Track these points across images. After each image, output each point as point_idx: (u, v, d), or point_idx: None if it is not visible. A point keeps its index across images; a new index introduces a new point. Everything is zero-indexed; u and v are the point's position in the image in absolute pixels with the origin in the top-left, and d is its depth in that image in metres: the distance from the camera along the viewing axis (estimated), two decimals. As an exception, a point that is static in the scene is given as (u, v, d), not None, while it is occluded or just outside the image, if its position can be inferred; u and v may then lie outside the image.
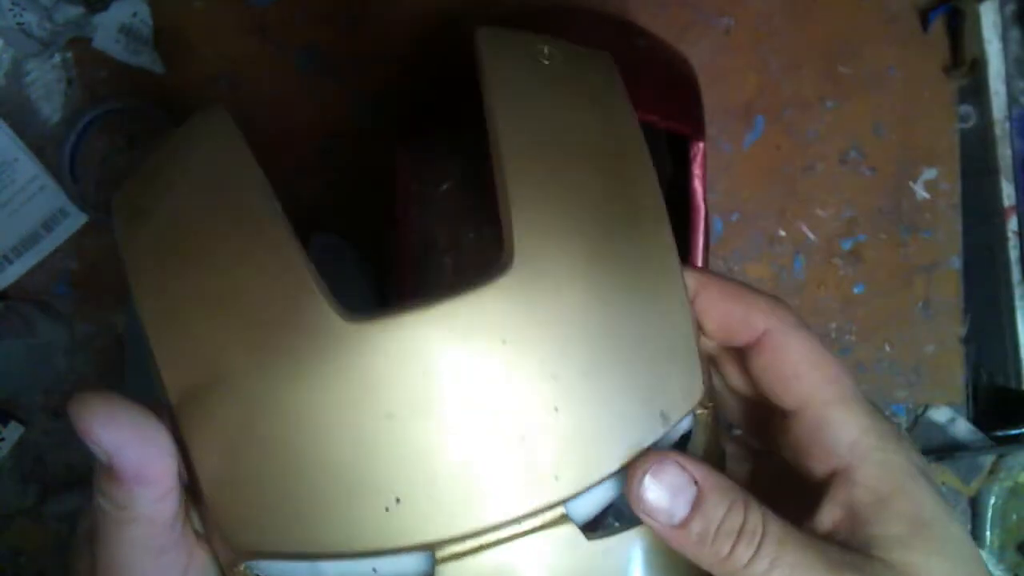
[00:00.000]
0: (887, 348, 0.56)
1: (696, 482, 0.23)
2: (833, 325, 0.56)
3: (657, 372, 0.24)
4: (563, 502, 0.23)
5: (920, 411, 0.56)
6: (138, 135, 0.54)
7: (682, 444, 0.26)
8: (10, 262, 0.53)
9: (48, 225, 0.53)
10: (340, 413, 0.22)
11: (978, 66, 0.56)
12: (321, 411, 0.22)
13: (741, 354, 0.28)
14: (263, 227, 0.23)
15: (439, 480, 0.22)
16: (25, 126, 0.54)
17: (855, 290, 0.56)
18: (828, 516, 0.25)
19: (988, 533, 0.56)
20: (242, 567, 0.24)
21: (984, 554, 0.56)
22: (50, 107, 0.54)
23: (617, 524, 0.24)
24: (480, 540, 0.22)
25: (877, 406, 0.27)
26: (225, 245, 0.23)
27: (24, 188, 0.53)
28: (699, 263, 0.47)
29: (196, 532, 0.25)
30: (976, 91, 0.57)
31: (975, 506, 0.56)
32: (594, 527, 0.24)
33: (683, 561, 0.24)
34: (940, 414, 0.56)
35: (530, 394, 0.22)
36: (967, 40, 0.55)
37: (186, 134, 0.26)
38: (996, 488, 0.56)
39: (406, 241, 0.48)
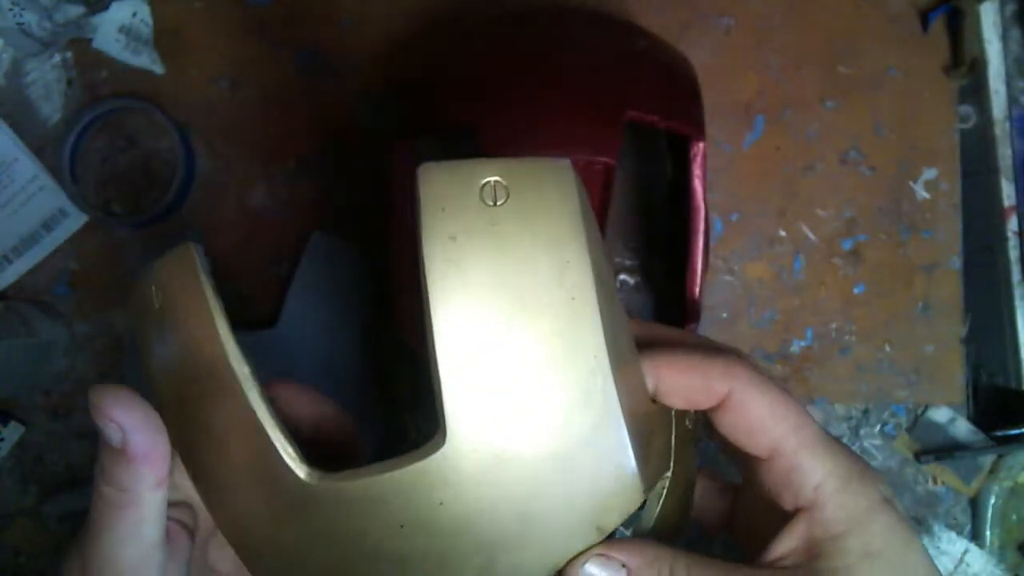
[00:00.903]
0: (887, 348, 0.56)
1: (624, 564, 0.26)
2: (833, 325, 0.56)
3: (594, 495, 0.25)
4: None
5: (920, 411, 0.56)
6: (138, 135, 0.54)
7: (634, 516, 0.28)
8: (10, 262, 0.53)
9: (48, 225, 0.53)
10: (317, 550, 0.25)
11: (978, 66, 0.56)
12: (301, 550, 0.25)
13: (709, 414, 0.30)
14: (232, 392, 0.25)
15: None
16: (25, 126, 0.54)
17: (855, 290, 0.56)
18: (781, 547, 0.28)
19: (988, 533, 0.56)
20: None
21: (984, 554, 0.56)
22: (50, 107, 0.54)
23: None
24: None
25: (841, 443, 0.29)
26: (206, 403, 0.26)
27: (24, 188, 0.53)
28: (699, 263, 0.47)
29: (173, 536, 0.27)
30: (976, 91, 0.57)
31: (975, 506, 0.56)
32: None
33: None
34: (940, 414, 0.56)
35: (465, 545, 0.24)
36: (967, 40, 0.55)
37: (156, 281, 0.27)
38: (996, 488, 0.56)
39: (405, 240, 0.48)
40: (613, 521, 0.26)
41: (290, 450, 0.25)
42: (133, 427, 0.25)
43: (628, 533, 0.29)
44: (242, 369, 0.25)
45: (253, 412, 0.25)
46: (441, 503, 0.24)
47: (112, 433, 0.25)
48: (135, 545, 0.25)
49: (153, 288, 0.27)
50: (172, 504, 0.27)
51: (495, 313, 0.24)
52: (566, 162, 0.25)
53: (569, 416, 0.24)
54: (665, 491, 0.29)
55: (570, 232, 0.25)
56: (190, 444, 0.27)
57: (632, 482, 0.25)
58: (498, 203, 0.24)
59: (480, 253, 0.24)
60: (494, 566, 0.25)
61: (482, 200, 0.24)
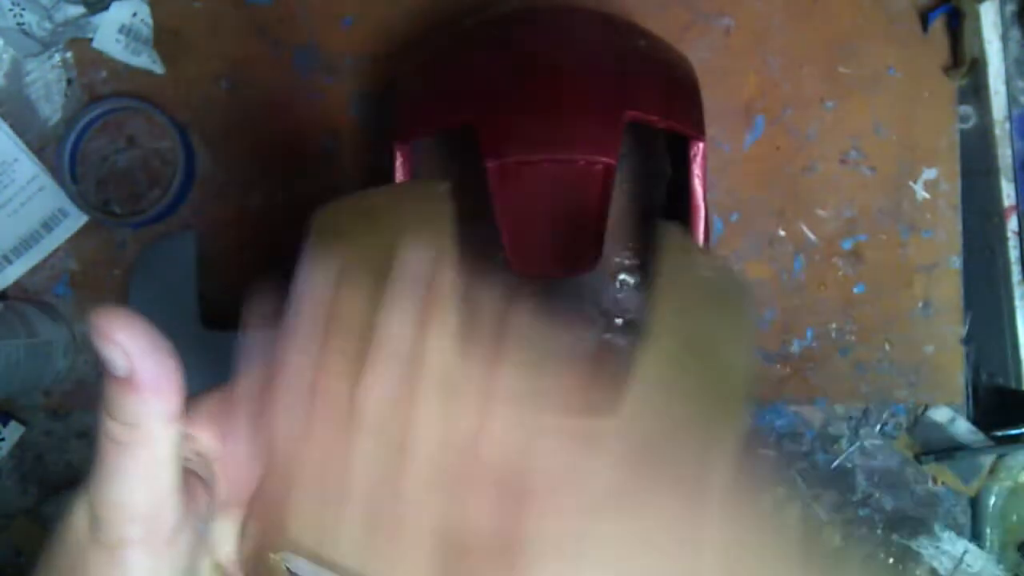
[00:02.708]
0: (887, 348, 0.56)
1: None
2: (833, 325, 0.56)
3: None
4: None
5: (920, 411, 0.56)
6: (138, 135, 0.54)
7: None
8: (10, 262, 0.53)
9: (48, 225, 0.53)
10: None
11: (978, 66, 0.56)
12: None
13: None
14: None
15: None
16: (25, 126, 0.54)
17: (855, 290, 0.56)
18: None
19: (988, 533, 0.56)
20: (278, 555, 0.25)
21: (984, 554, 0.56)
22: (50, 107, 0.54)
23: None
24: None
25: None
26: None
27: (24, 188, 0.53)
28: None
29: (189, 490, 0.25)
30: (976, 91, 0.57)
31: (975, 506, 0.56)
32: None
33: None
34: (940, 414, 0.56)
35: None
36: (967, 40, 0.55)
37: (405, 185, 0.28)
38: (996, 488, 0.56)
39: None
40: None
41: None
42: (140, 351, 0.22)
43: None
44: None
45: None
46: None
47: (117, 358, 0.22)
48: (149, 489, 0.23)
49: None
50: (188, 457, 0.25)
51: None
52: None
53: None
54: None
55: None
56: None
57: None
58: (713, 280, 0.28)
59: (699, 306, 0.27)
60: None
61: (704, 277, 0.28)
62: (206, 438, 0.25)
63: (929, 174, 0.56)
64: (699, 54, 0.55)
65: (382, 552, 0.23)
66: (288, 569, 0.25)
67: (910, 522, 0.56)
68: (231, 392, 0.26)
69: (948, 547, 0.56)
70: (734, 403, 0.26)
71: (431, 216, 0.27)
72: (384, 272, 0.25)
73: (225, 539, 0.26)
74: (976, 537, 0.56)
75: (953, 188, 0.56)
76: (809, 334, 0.56)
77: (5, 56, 0.54)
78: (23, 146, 0.53)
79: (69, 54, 0.54)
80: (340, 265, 0.25)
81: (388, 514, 0.23)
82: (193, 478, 0.25)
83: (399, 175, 0.47)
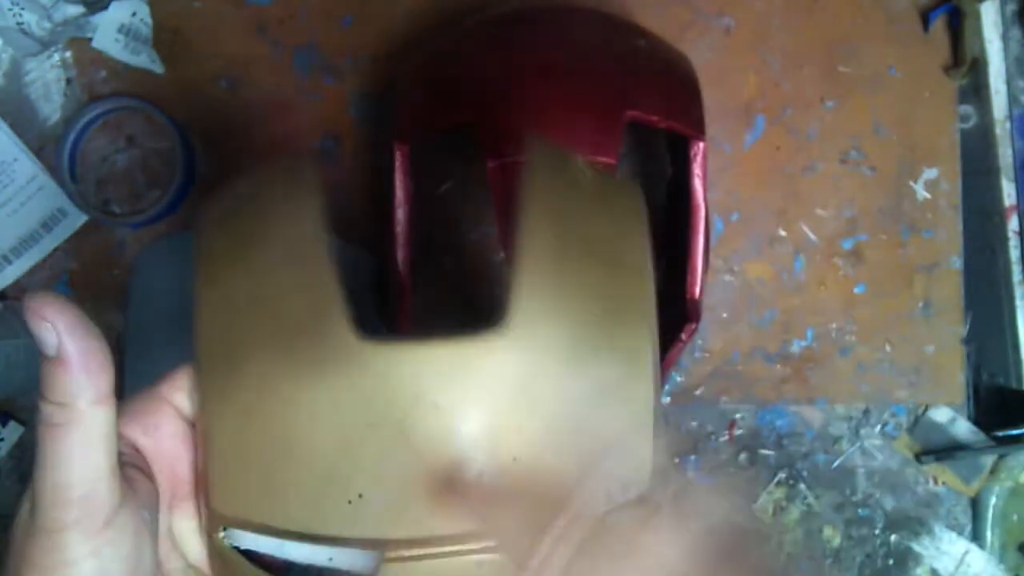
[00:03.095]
0: (888, 348, 0.56)
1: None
2: (834, 325, 0.56)
3: (608, 455, 0.27)
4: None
5: (921, 411, 0.56)
6: (137, 135, 0.54)
7: None
8: (9, 262, 0.53)
9: (47, 225, 0.53)
10: (331, 414, 0.25)
11: (978, 66, 0.56)
12: (315, 409, 0.25)
13: None
14: (307, 247, 0.27)
15: (400, 489, 0.25)
16: (24, 126, 0.54)
17: (856, 290, 0.56)
18: None
19: (989, 533, 0.56)
20: (220, 534, 0.27)
21: (985, 555, 0.56)
22: (49, 107, 0.54)
23: None
24: (425, 550, 0.26)
25: None
26: (275, 255, 0.27)
27: (23, 188, 0.53)
28: (699, 263, 0.47)
29: (129, 478, 0.26)
30: (977, 91, 0.56)
31: (976, 507, 0.56)
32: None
33: None
34: (941, 414, 0.56)
35: (496, 440, 0.25)
36: (967, 40, 0.55)
37: (276, 167, 0.30)
38: (997, 488, 0.56)
39: (405, 241, 0.48)
40: (621, 495, 0.27)
41: (348, 308, 0.26)
42: (68, 328, 0.23)
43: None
44: (322, 233, 0.27)
45: (321, 268, 0.26)
46: (484, 388, 0.25)
47: (47, 335, 0.23)
48: (82, 469, 0.24)
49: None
50: (129, 462, 0.26)
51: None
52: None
53: (607, 345, 0.27)
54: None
55: (640, 214, 0.30)
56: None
57: (644, 458, 0.27)
58: (585, 180, 0.30)
59: (568, 198, 0.29)
60: (510, 477, 0.25)
61: (575, 176, 0.30)
62: (135, 434, 0.27)
63: (930, 174, 0.56)
64: (699, 54, 0.55)
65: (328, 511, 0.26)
66: (235, 548, 0.27)
67: (910, 522, 0.56)
68: (156, 390, 0.28)
69: (949, 547, 0.56)
70: (634, 294, 0.28)
71: (299, 195, 0.29)
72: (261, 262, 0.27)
73: (189, 539, 0.28)
74: (977, 537, 0.56)
75: (954, 188, 0.56)
76: (809, 334, 0.56)
77: (4, 56, 0.54)
78: (22, 146, 0.53)
79: (68, 54, 0.54)
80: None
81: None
82: (132, 469, 0.26)
83: (399, 175, 0.47)
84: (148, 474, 0.27)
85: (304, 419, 0.26)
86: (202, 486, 0.27)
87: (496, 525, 0.26)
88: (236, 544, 0.27)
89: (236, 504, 0.26)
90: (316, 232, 0.28)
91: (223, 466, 0.26)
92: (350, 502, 0.25)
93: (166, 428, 0.28)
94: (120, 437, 0.26)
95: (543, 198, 0.28)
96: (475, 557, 0.26)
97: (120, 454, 0.25)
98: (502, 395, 0.26)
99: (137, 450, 0.27)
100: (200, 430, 0.27)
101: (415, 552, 0.26)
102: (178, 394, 0.28)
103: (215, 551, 0.27)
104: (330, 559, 0.27)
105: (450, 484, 0.25)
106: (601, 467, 0.26)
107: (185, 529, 0.28)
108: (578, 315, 0.27)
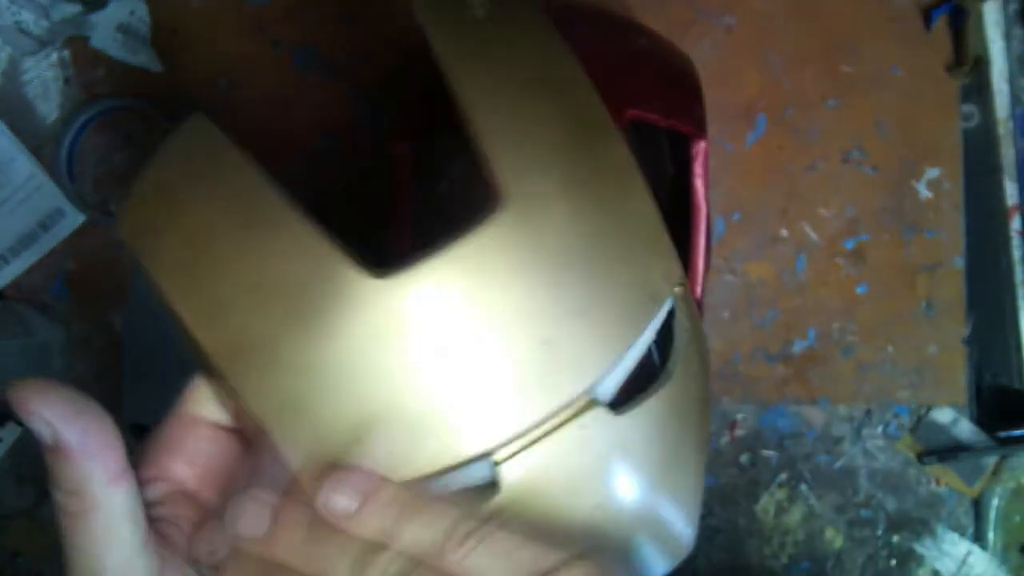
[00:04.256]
0: (890, 348, 0.56)
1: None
2: (835, 325, 0.56)
3: (640, 264, 0.28)
4: (588, 390, 0.27)
5: (923, 412, 0.56)
6: (135, 134, 0.54)
7: (670, 319, 0.30)
8: (7, 262, 0.53)
9: (45, 225, 0.53)
10: (377, 357, 0.25)
11: (981, 65, 0.56)
12: (359, 359, 0.25)
13: None
14: (273, 215, 0.27)
15: (478, 398, 0.26)
16: (22, 125, 0.53)
17: (858, 290, 0.56)
18: None
19: (991, 534, 0.56)
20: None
21: (987, 556, 0.56)
22: (47, 106, 0.54)
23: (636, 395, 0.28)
24: (527, 438, 0.26)
25: None
26: (246, 241, 0.27)
27: (21, 187, 0.53)
28: (700, 263, 0.47)
29: (168, 537, 0.24)
30: (979, 90, 0.56)
31: (978, 507, 0.56)
32: (618, 404, 0.28)
33: (700, 410, 0.29)
34: (943, 415, 0.56)
35: (543, 303, 0.26)
36: (970, 38, 0.55)
37: (174, 147, 0.30)
38: (999, 489, 0.56)
39: (405, 241, 0.48)
40: (663, 290, 0.28)
41: (347, 249, 0.26)
42: (60, 416, 0.22)
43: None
44: (275, 193, 0.28)
45: (299, 228, 0.27)
46: (509, 265, 0.26)
47: (41, 429, 0.22)
48: (112, 555, 0.22)
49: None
50: (161, 500, 0.25)
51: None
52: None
53: (593, 169, 0.29)
54: (687, 296, 0.31)
55: (547, 25, 0.30)
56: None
57: (666, 249, 0.29)
58: (485, 12, 0.30)
59: (481, 38, 0.29)
60: (570, 332, 0.26)
61: (473, 14, 0.30)
62: (178, 467, 0.26)
63: (932, 173, 0.56)
64: (701, 53, 0.55)
65: None
66: None
67: (912, 523, 0.56)
68: (181, 413, 0.27)
69: (951, 549, 0.56)
70: (586, 100, 0.29)
71: (220, 162, 0.29)
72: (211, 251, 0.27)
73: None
74: (979, 539, 0.56)
75: (956, 187, 0.56)
76: (811, 334, 0.56)
77: (2, 54, 0.54)
78: (20, 145, 0.53)
79: (66, 52, 0.54)
80: None
81: None
82: (166, 525, 0.25)
83: (399, 175, 0.47)
84: (184, 514, 0.25)
85: (363, 373, 0.25)
86: (271, 447, 0.26)
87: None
88: None
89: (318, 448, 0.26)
90: (258, 186, 0.28)
91: (289, 419, 0.26)
92: (440, 431, 0.25)
93: (205, 447, 0.26)
94: (152, 485, 0.25)
95: (464, 54, 0.29)
96: (577, 421, 0.26)
97: (151, 519, 0.24)
98: (529, 264, 0.26)
99: (173, 491, 0.25)
100: (252, 430, 0.26)
101: (520, 444, 0.26)
102: (204, 407, 0.26)
103: None
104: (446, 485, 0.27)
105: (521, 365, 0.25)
106: (640, 280, 0.27)
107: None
108: (557, 155, 0.27)
